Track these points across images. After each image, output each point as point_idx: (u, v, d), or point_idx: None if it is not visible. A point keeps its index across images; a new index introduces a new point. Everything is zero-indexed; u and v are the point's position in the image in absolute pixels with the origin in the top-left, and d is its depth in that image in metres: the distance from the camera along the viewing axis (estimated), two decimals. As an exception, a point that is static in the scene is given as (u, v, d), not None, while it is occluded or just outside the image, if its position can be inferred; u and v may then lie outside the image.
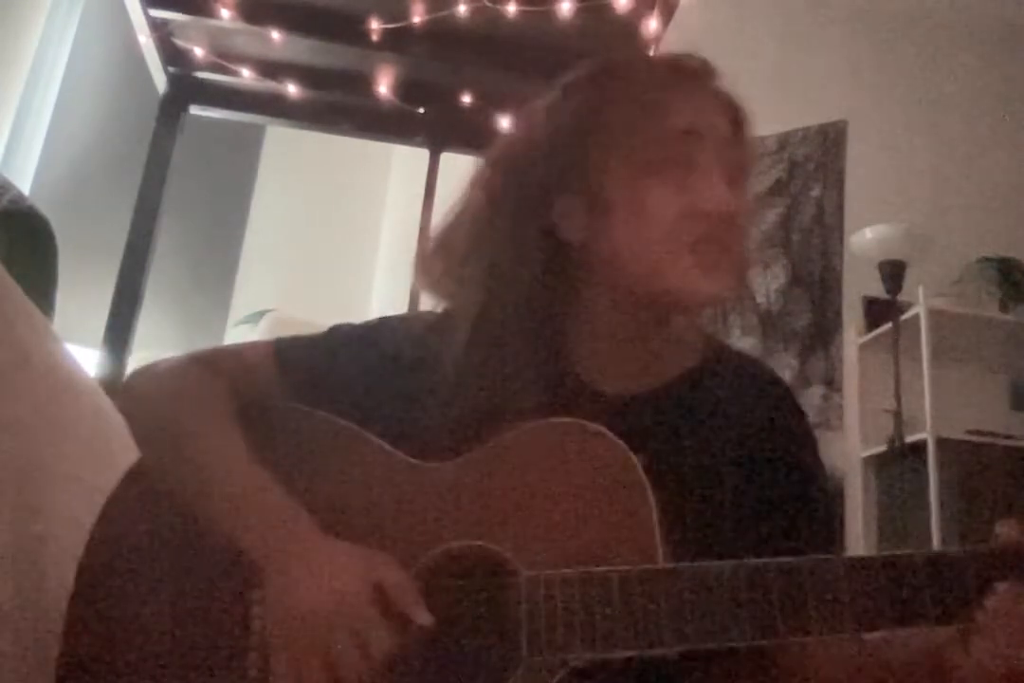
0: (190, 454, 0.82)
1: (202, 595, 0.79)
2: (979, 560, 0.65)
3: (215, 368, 0.89)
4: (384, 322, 0.93)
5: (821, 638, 0.66)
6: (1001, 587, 0.64)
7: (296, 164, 4.25)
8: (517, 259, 0.82)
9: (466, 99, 2.68)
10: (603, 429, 0.75)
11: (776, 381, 0.92)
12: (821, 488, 0.88)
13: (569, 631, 0.69)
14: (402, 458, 0.81)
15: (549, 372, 0.83)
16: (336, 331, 0.91)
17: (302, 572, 0.73)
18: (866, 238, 2.93)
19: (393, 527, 0.78)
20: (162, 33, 2.50)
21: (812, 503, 0.86)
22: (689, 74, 0.84)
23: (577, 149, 0.82)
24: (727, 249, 0.81)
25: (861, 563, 0.67)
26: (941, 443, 2.80)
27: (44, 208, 1.60)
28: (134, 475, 0.86)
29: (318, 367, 0.88)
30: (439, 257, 0.89)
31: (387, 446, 0.82)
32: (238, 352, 0.93)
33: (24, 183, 3.08)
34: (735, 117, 0.84)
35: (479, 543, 0.75)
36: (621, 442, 0.74)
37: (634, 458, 0.73)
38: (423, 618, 0.71)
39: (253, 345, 0.93)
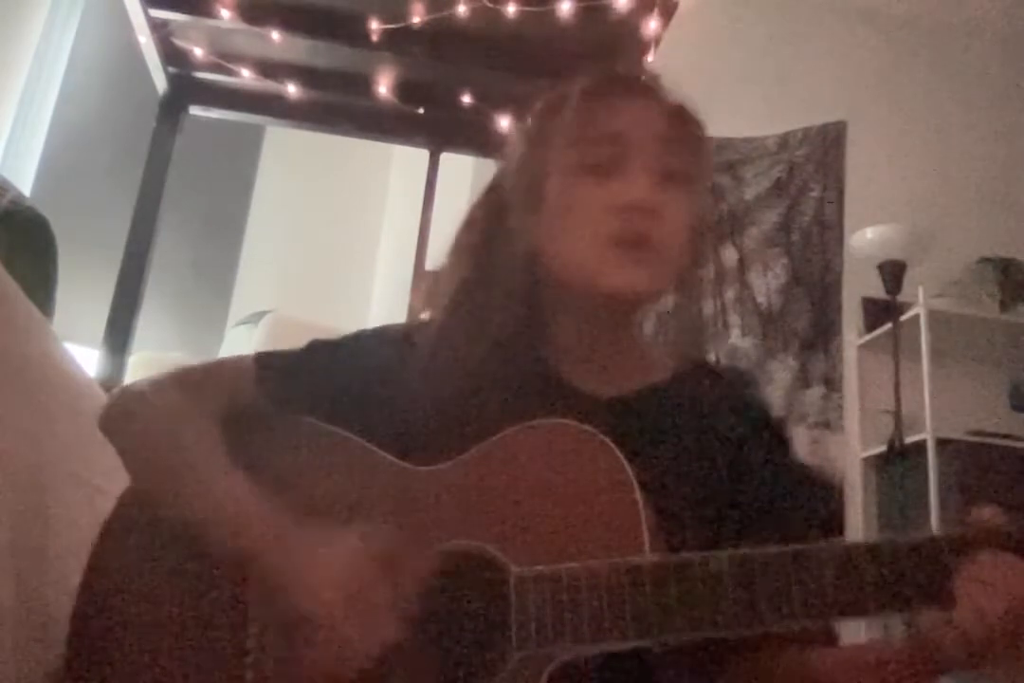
0: (183, 471, 0.84)
1: (200, 606, 0.81)
2: (956, 542, 0.68)
3: (196, 386, 0.90)
4: (361, 334, 0.96)
5: (805, 624, 0.68)
6: (980, 556, 0.66)
7: (296, 164, 4.25)
8: (485, 267, 0.88)
9: (466, 99, 2.67)
10: (592, 430, 0.77)
11: (748, 385, 0.98)
12: (805, 485, 0.90)
13: (557, 624, 0.70)
14: (393, 462, 0.83)
15: (530, 373, 0.88)
16: (315, 344, 0.94)
17: (301, 563, 0.74)
18: (866, 238, 2.92)
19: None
20: (162, 33, 2.50)
21: (796, 501, 0.87)
22: (622, 88, 0.90)
23: (528, 165, 0.89)
24: (648, 243, 0.83)
25: (843, 551, 0.69)
26: (941, 443, 2.79)
27: (44, 208, 1.60)
28: (130, 496, 0.88)
29: (298, 380, 0.91)
30: (432, 273, 0.95)
31: (378, 450, 0.84)
32: (218, 368, 0.96)
33: (24, 183, 3.09)
34: (675, 124, 0.88)
35: (470, 543, 0.76)
36: (610, 441, 0.76)
37: (622, 458, 0.75)
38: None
39: (233, 360, 0.95)
